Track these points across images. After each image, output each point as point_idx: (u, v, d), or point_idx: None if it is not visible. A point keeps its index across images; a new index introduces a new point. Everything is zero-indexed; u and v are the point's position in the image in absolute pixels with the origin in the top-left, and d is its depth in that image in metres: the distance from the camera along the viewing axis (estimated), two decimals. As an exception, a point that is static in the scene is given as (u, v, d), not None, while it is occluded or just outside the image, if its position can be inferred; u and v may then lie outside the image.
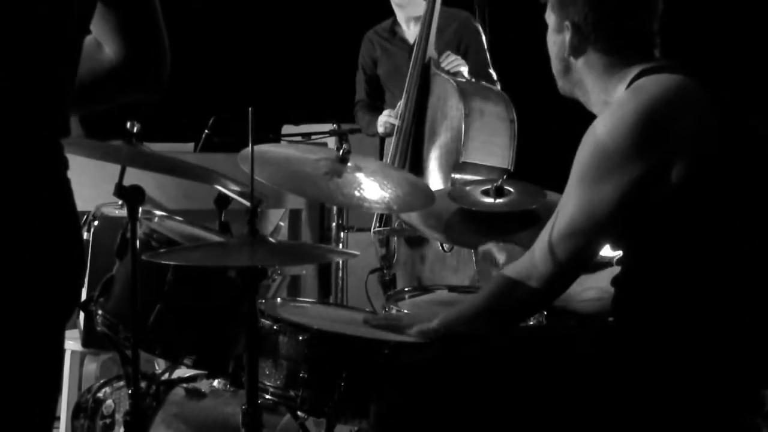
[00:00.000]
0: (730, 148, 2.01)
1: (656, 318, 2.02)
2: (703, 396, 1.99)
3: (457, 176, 3.81)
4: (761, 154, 2.06)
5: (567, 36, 2.15)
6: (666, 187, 1.95)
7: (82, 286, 1.44)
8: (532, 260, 2.08)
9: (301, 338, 2.24)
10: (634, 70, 2.08)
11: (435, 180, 3.89)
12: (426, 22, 4.00)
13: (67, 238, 1.38)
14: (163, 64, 1.57)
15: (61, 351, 1.44)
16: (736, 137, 2.03)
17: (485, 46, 4.23)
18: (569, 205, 2.03)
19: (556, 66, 2.22)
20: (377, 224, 3.94)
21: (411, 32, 4.23)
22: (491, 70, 4.20)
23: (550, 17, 2.21)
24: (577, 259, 2.05)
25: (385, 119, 4.11)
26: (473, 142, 3.83)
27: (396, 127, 4.02)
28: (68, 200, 1.38)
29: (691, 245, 2.00)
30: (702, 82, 2.03)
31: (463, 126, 3.81)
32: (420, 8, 4.09)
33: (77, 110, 1.70)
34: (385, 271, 3.63)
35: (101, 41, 1.52)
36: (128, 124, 2.33)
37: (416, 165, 3.97)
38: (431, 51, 4.02)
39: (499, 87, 4.11)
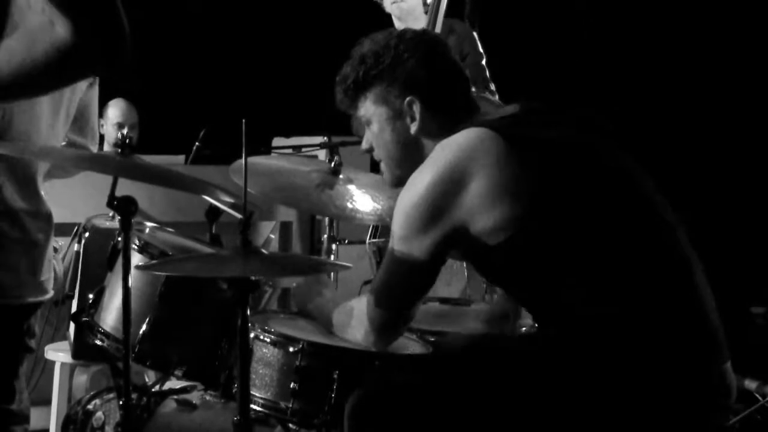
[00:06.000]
0: (542, 189, 2.05)
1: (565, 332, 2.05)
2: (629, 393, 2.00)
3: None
4: (585, 179, 2.10)
5: (414, 111, 2.20)
6: (477, 239, 2.05)
7: None
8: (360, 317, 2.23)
9: (291, 350, 2.24)
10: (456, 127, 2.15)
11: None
12: (430, 28, 3.98)
13: None
14: (116, 38, 1.53)
15: None
16: (545, 176, 2.07)
17: (482, 53, 4.26)
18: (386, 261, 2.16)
19: (394, 156, 2.27)
20: (372, 235, 3.93)
21: None
22: (488, 75, 4.23)
23: (376, 110, 2.25)
24: (397, 308, 2.19)
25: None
26: None
27: None
28: None
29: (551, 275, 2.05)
30: (507, 131, 2.08)
31: None
32: (419, 21, 4.10)
33: (39, 93, 1.68)
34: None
35: (52, 19, 1.51)
36: (120, 135, 2.33)
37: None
38: None
39: (497, 98, 4.11)
